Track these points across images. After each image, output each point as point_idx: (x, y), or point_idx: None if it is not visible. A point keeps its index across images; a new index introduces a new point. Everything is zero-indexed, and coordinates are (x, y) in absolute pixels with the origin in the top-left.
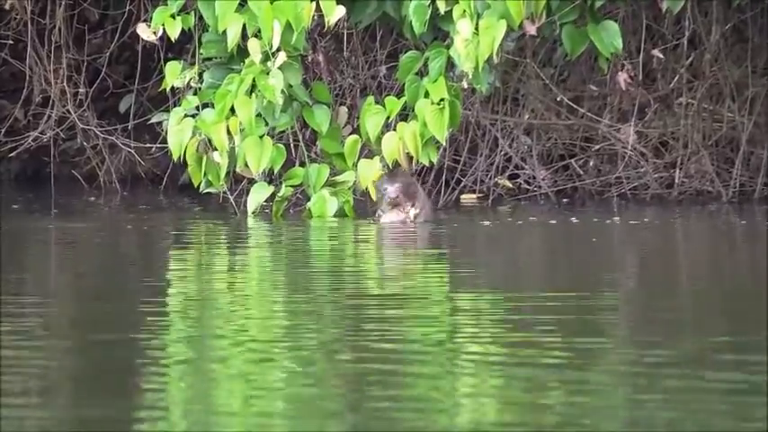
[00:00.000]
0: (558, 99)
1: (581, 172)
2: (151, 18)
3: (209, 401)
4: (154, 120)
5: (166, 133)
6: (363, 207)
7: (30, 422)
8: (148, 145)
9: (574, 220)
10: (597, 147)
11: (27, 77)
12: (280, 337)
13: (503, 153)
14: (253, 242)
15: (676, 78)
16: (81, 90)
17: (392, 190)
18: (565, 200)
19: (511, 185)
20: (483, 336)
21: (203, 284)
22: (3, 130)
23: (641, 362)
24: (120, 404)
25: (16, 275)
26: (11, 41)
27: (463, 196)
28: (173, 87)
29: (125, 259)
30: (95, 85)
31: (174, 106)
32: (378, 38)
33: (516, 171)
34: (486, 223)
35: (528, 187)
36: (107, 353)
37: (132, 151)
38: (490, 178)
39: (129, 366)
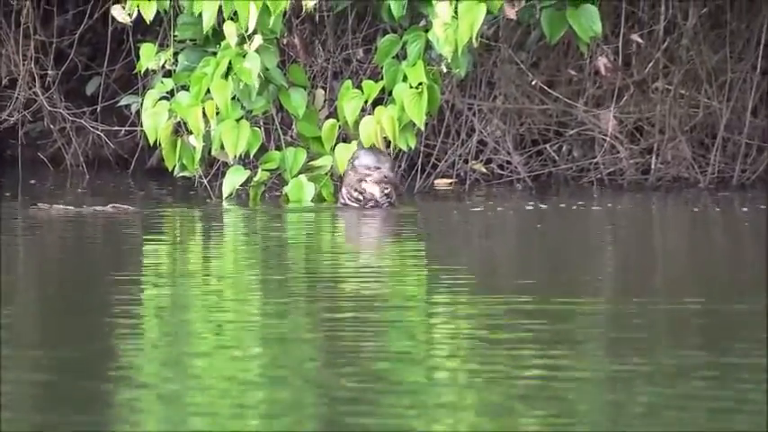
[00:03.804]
0: (533, 83)
1: (556, 157)
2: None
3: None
4: (123, 102)
5: (136, 116)
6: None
7: None
8: (117, 128)
9: (543, 206)
10: (572, 132)
11: None
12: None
13: (476, 138)
14: (229, 231)
15: (652, 63)
16: (50, 72)
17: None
18: (539, 186)
19: (485, 170)
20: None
21: (177, 286)
22: None
23: (618, 375)
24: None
25: None
26: None
27: (437, 181)
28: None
29: (95, 253)
30: (63, 68)
31: (143, 89)
32: (350, 21)
33: (491, 156)
34: (457, 211)
35: (502, 173)
36: (73, 367)
37: (101, 134)
38: (466, 162)
39: (97, 383)
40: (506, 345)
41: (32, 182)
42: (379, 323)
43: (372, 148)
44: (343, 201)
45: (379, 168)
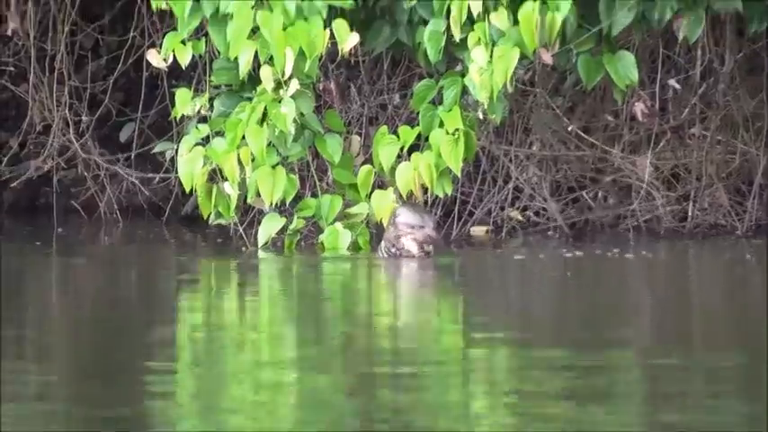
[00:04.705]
0: (570, 129)
1: (592, 204)
2: (160, 45)
3: None
4: (157, 149)
5: (170, 163)
6: (380, 239)
7: None
8: (151, 175)
9: (578, 253)
10: (609, 178)
11: (29, 105)
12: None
13: (512, 184)
14: (265, 281)
15: (688, 109)
16: (84, 119)
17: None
18: (575, 233)
19: (521, 218)
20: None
21: (213, 340)
22: (4, 160)
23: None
24: None
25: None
26: (12, 68)
27: (474, 228)
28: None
29: (130, 306)
30: (97, 114)
31: (177, 135)
32: (385, 66)
33: (527, 203)
34: (495, 260)
35: (538, 220)
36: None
37: (135, 181)
38: (502, 209)
39: None
40: (541, 399)
41: (60, 230)
42: (415, 378)
43: (413, 205)
44: (380, 254)
45: (422, 227)
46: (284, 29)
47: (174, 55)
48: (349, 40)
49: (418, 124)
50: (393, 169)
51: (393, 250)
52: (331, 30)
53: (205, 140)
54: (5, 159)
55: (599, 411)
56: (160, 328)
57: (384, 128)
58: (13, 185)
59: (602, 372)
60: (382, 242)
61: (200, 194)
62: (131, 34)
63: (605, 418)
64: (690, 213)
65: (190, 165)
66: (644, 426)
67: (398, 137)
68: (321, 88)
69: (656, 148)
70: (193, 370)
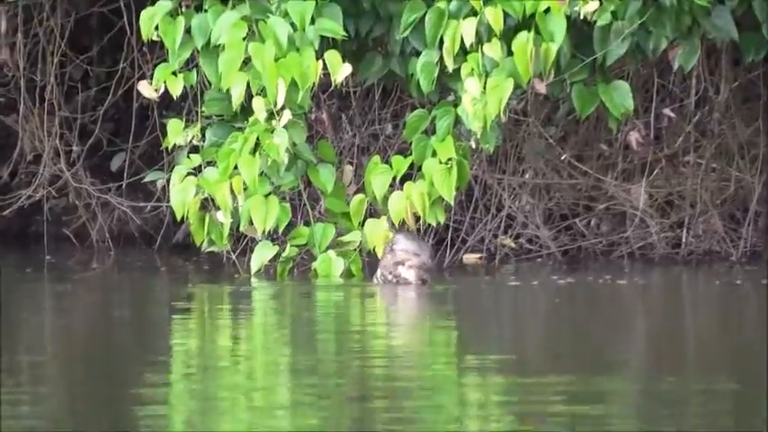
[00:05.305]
0: (563, 158)
1: (585, 232)
2: (151, 75)
3: None
4: (148, 178)
5: (161, 192)
6: (373, 267)
7: None
8: (143, 204)
9: (571, 280)
10: (602, 206)
11: (20, 135)
12: None
13: (505, 212)
14: (259, 309)
15: (683, 137)
16: (74, 148)
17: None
18: (568, 260)
19: (514, 245)
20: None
21: (207, 370)
22: None
23: None
24: None
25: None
26: (2, 99)
27: (466, 256)
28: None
29: (122, 333)
30: (88, 144)
31: (168, 164)
32: (377, 96)
33: (520, 231)
34: (488, 287)
35: (531, 247)
36: None
37: (126, 210)
38: (495, 237)
39: None
40: (536, 423)
41: (50, 258)
42: (412, 408)
43: (410, 233)
44: (376, 281)
45: (418, 255)
46: (276, 60)
47: (166, 86)
48: (341, 70)
49: (410, 154)
50: (386, 198)
51: (390, 277)
52: (323, 60)
53: (196, 170)
54: None
55: None
56: (153, 355)
57: (376, 157)
58: (4, 214)
59: (597, 397)
60: (378, 270)
61: (193, 222)
62: (121, 65)
63: None
64: (684, 240)
65: (182, 193)
66: None
67: (391, 166)
68: (313, 118)
69: (651, 176)
70: (186, 401)
